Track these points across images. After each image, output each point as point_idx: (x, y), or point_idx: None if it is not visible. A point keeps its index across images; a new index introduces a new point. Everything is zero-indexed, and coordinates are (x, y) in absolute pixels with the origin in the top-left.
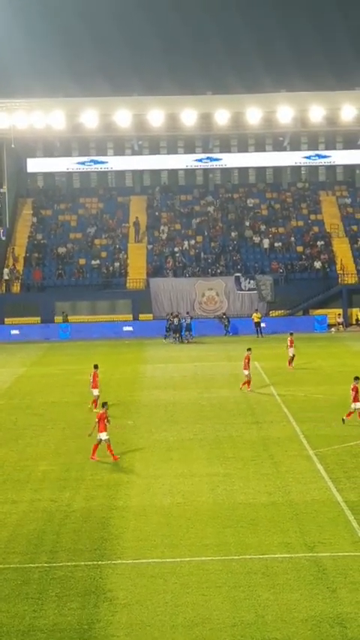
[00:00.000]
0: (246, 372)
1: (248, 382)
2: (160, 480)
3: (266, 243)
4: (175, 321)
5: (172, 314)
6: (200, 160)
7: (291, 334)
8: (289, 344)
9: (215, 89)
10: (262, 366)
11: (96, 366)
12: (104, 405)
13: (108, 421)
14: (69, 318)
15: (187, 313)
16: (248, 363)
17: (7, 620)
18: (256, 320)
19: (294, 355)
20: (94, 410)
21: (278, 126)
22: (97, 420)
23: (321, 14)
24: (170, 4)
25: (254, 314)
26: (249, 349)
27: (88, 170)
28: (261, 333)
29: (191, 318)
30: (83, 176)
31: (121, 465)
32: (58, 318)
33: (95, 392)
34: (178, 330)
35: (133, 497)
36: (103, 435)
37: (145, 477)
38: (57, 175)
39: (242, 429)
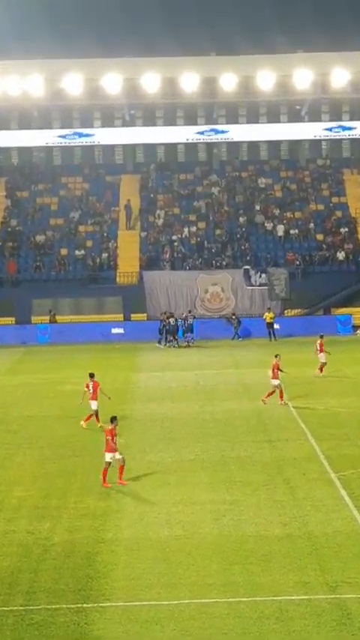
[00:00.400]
0: (275, 382)
1: (281, 393)
2: (156, 509)
3: (280, 230)
4: (171, 321)
5: (165, 313)
6: (203, 133)
7: (321, 337)
8: (318, 348)
9: (221, 49)
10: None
11: (92, 375)
12: (113, 420)
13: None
14: (49, 319)
15: (190, 312)
16: (277, 371)
17: None
18: (268, 320)
19: (326, 362)
20: (99, 425)
21: (295, 92)
22: (108, 437)
23: None
24: None
25: (266, 313)
26: (277, 356)
27: (72, 144)
28: (274, 335)
29: (194, 317)
30: (65, 151)
31: (109, 490)
32: (37, 319)
33: (94, 405)
34: (174, 332)
35: (124, 529)
36: (116, 455)
37: (138, 504)
38: (35, 150)
39: (252, 448)
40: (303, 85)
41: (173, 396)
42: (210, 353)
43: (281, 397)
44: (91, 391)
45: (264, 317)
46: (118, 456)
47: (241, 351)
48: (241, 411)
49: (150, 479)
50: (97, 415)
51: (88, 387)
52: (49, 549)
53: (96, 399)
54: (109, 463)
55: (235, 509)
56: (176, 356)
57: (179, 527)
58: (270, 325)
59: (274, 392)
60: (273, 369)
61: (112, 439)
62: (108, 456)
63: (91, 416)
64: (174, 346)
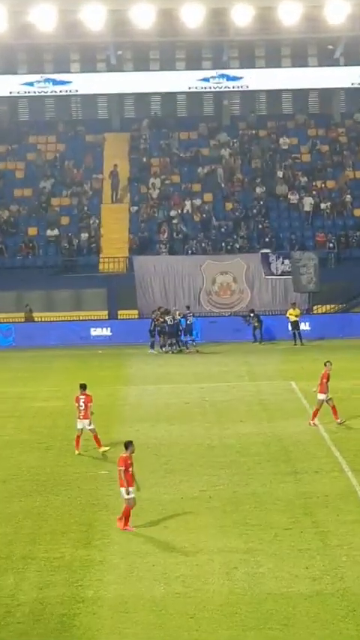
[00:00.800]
0: (321, 397)
1: (334, 410)
2: (150, 559)
3: (308, 204)
4: (168, 320)
5: (159, 309)
6: (210, 80)
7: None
8: (320, 381)
9: None
10: (302, 388)
11: (83, 387)
12: (128, 446)
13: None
14: (13, 316)
15: (188, 308)
16: (326, 382)
17: None
18: (293, 319)
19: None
20: (101, 450)
21: (327, 28)
22: (121, 468)
23: None
24: None
25: (290, 310)
26: (328, 363)
27: (42, 94)
28: (300, 338)
29: (193, 315)
30: (34, 103)
31: (91, 535)
32: None
33: (81, 424)
34: (175, 334)
35: (108, 585)
36: (130, 493)
37: (126, 553)
38: None
39: (272, 482)
40: (337, 19)
41: (172, 416)
42: (218, 361)
43: (334, 413)
44: (82, 407)
45: (287, 315)
46: (131, 494)
47: (259, 358)
48: (258, 435)
49: (142, 521)
50: (96, 437)
51: (78, 401)
52: (12, 611)
53: (88, 418)
54: (130, 500)
55: (250, 560)
56: (176, 365)
57: (179, 582)
58: (295, 325)
59: (334, 407)
60: (322, 380)
61: (128, 470)
62: (124, 492)
63: (91, 438)
64: (173, 351)
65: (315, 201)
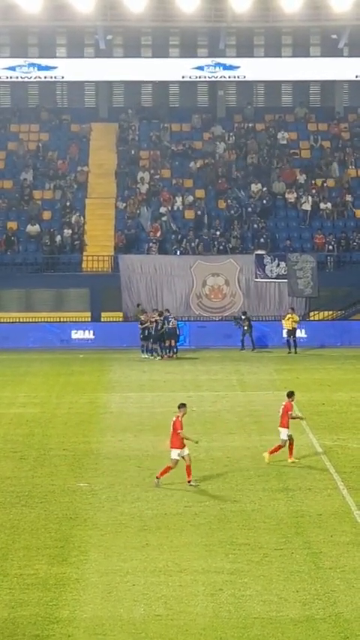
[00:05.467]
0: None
1: (290, 448)
2: (129, 578)
3: (307, 203)
4: (162, 323)
5: (143, 311)
6: (204, 68)
7: (290, 395)
8: (282, 412)
9: None
10: (296, 400)
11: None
12: (182, 407)
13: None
14: None
15: (167, 311)
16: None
17: None
18: (290, 326)
19: (288, 440)
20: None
21: (330, 17)
22: (178, 430)
23: None
24: None
25: (288, 315)
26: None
27: (26, 80)
28: (295, 346)
29: (174, 318)
30: (16, 89)
31: (68, 551)
32: None
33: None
34: (164, 338)
35: (85, 605)
36: (184, 452)
37: (105, 571)
38: None
39: (262, 499)
40: (342, 7)
41: (156, 427)
42: (207, 368)
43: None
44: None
45: (283, 321)
46: (186, 452)
47: (250, 366)
48: (248, 448)
49: (122, 538)
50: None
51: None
52: None
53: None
54: (177, 462)
55: (237, 582)
56: (162, 371)
57: (160, 604)
58: (291, 332)
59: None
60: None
61: (176, 432)
62: (175, 453)
63: (279, 447)
64: (162, 356)
65: (314, 200)
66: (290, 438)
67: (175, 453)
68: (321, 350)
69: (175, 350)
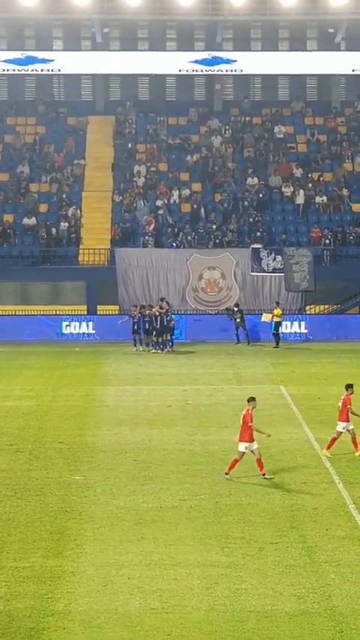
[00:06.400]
0: (342, 427)
1: (355, 443)
2: (125, 572)
3: (303, 196)
4: (158, 316)
5: (136, 306)
6: (201, 62)
7: (348, 388)
8: (341, 406)
9: None
10: (292, 393)
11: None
12: (250, 400)
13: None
14: None
15: (163, 300)
16: (348, 411)
17: None
18: (276, 320)
19: (345, 431)
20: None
21: (328, 11)
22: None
23: None
24: None
25: (275, 310)
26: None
27: (22, 72)
28: (278, 340)
29: (167, 311)
30: (13, 82)
31: (63, 544)
32: None
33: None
34: (161, 332)
35: (80, 598)
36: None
37: (100, 564)
38: None
39: (258, 493)
40: (339, 1)
41: (152, 420)
42: (204, 362)
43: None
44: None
45: (270, 314)
46: (254, 446)
47: (246, 360)
48: None
49: (117, 531)
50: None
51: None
52: None
53: (346, 420)
54: (243, 455)
55: (232, 576)
56: (158, 365)
57: (156, 597)
58: (277, 326)
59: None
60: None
61: (247, 425)
62: (242, 446)
63: (334, 440)
64: (157, 349)
65: (310, 194)
66: (352, 433)
67: (242, 446)
68: (317, 344)
69: (171, 344)
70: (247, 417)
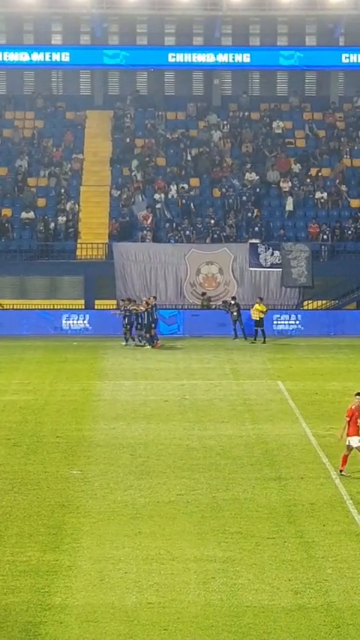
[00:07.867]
0: (356, 442)
1: None
2: (122, 566)
3: (301, 192)
4: (144, 311)
5: (128, 300)
6: (200, 57)
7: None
8: (348, 419)
9: None
10: (289, 388)
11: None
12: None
13: None
14: None
15: (154, 297)
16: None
17: None
18: (256, 316)
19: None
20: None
21: (327, 6)
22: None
23: None
24: None
25: (256, 305)
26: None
27: (20, 67)
28: (264, 335)
29: (154, 306)
30: (12, 77)
31: (60, 538)
32: None
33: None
34: (150, 326)
35: (77, 592)
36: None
37: (97, 559)
38: None
39: (255, 487)
40: None
41: (149, 415)
42: (201, 357)
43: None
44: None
45: (253, 310)
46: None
47: (244, 355)
48: (241, 437)
49: (114, 526)
50: None
51: (350, 415)
52: None
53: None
54: (351, 449)
55: (229, 571)
56: (155, 360)
57: (152, 591)
58: (259, 322)
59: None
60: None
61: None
62: (355, 440)
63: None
64: (147, 343)
65: (309, 190)
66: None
67: (355, 440)
68: (314, 339)
69: (156, 338)
70: (354, 411)
